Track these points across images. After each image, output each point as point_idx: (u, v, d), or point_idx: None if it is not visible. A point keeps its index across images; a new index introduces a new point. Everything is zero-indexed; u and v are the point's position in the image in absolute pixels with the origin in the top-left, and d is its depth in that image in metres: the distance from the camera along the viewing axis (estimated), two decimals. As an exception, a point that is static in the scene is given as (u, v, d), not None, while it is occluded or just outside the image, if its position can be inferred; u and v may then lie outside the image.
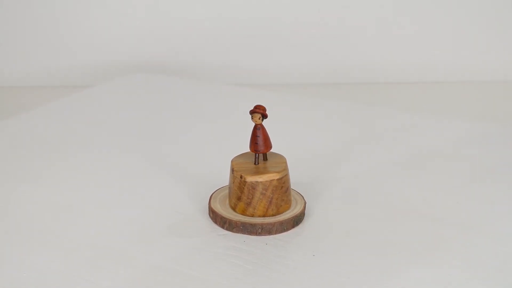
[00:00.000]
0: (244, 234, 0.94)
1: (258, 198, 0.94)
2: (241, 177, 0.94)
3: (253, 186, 0.94)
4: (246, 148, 0.99)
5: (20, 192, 1.07)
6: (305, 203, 0.98)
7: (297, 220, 0.95)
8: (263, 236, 0.93)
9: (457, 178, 1.13)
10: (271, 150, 1.00)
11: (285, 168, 0.96)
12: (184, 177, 1.12)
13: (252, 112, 0.94)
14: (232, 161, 0.98)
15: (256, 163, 0.96)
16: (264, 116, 0.94)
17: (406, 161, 1.19)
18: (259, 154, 0.96)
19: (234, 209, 0.96)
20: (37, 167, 1.16)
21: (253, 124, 0.95)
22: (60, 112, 1.46)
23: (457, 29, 2.19)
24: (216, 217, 0.96)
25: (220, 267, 0.86)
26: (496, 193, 1.07)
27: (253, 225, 0.93)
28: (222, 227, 0.95)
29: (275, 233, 0.94)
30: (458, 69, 2.20)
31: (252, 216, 0.95)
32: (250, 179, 0.94)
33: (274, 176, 0.94)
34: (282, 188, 0.95)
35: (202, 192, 1.05)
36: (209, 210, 0.98)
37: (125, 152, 1.22)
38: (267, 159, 0.97)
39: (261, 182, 0.93)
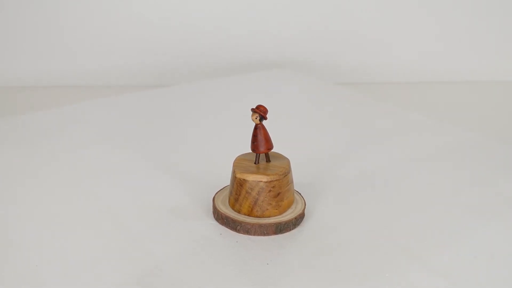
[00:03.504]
0: (226, 227, 0.96)
1: (243, 196, 0.95)
2: (234, 172, 0.96)
3: (241, 183, 0.95)
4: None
5: (82, 154, 1.23)
6: (301, 213, 0.96)
7: (280, 227, 0.94)
8: (241, 235, 0.94)
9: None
10: (278, 152, 1.00)
11: (279, 173, 0.94)
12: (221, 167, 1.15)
13: (251, 111, 0.95)
14: (237, 157, 1.00)
15: (256, 163, 0.97)
16: (263, 117, 0.94)
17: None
18: (260, 154, 0.97)
19: (228, 202, 0.99)
20: (119, 139, 1.31)
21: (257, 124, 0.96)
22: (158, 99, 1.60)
23: (458, 30, 2.18)
24: (213, 207, 0.99)
25: (176, 249, 0.90)
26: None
27: (234, 221, 0.94)
28: (214, 216, 0.98)
29: (254, 235, 0.94)
30: (458, 69, 2.18)
31: (239, 212, 0.96)
32: (239, 175, 0.95)
33: (262, 178, 0.94)
34: (271, 192, 0.94)
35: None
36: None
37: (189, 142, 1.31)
38: (270, 160, 0.98)
39: (248, 181, 0.94)
